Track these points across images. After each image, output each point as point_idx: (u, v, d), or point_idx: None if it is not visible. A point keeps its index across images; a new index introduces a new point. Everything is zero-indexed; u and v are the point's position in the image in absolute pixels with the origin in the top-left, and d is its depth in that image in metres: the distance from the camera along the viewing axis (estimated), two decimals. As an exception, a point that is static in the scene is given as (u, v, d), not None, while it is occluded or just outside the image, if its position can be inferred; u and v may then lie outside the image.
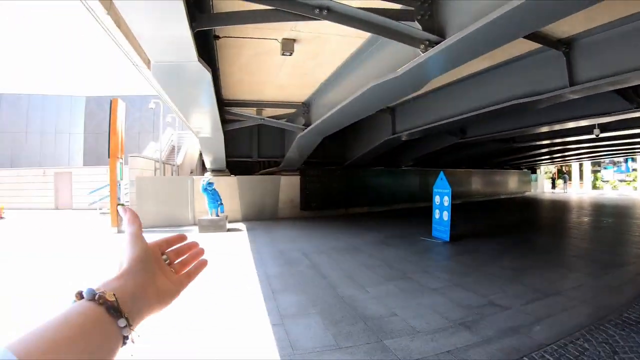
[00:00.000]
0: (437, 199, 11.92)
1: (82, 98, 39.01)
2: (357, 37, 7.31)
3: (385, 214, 19.91)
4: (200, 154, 33.89)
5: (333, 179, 20.31)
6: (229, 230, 14.15)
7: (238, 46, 8.13)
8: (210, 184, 14.20)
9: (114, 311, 0.65)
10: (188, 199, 16.26)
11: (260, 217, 17.42)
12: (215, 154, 15.71)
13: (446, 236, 11.26)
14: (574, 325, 4.79)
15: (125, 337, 0.68)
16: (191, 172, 26.89)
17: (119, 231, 14.16)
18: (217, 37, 7.41)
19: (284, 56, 8.04)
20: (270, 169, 18.81)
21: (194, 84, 7.52)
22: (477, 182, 30.34)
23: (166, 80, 7.48)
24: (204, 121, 11.49)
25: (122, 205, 14.69)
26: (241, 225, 15.46)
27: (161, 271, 0.83)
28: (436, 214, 11.98)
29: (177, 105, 10.43)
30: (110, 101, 14.81)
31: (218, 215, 14.28)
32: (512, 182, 35.25)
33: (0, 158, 36.11)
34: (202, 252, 1.01)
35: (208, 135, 13.14)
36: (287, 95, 12.67)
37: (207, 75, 6.69)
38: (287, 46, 7.55)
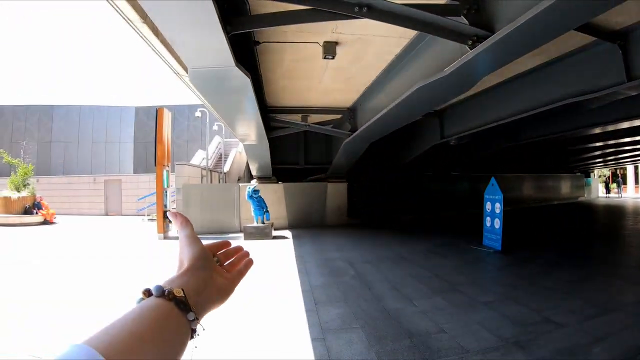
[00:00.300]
0: (488, 205, 11.46)
1: (131, 108, 40.56)
2: (400, 38, 7.14)
3: (434, 221, 19.39)
4: (248, 162, 34.31)
5: (380, 186, 20.10)
6: (274, 237, 14.13)
7: (279, 51, 8.09)
8: (255, 191, 14.22)
9: (183, 305, 0.69)
10: (234, 206, 16.39)
11: (307, 224, 17.35)
12: (261, 161, 15.76)
13: (498, 245, 10.76)
14: (637, 346, 4.43)
15: (193, 330, 0.72)
16: (239, 180, 27.13)
17: (165, 237, 14.39)
18: (257, 43, 7.38)
19: (326, 60, 7.93)
20: (317, 176, 18.71)
21: (234, 90, 7.45)
22: (528, 188, 29.28)
23: (205, 86, 7.51)
24: (248, 128, 11.49)
25: (169, 211, 14.99)
26: (287, 233, 15.42)
27: (216, 270, 0.88)
28: (487, 221, 11.50)
29: (219, 112, 10.52)
30: (156, 110, 15.01)
31: (264, 223, 14.29)
32: (564, 187, 33.73)
33: (54, 166, 37.82)
34: (247, 253, 1.07)
35: (253, 142, 13.19)
36: (331, 100, 12.58)
37: (247, 81, 6.63)
38: (329, 49, 7.41)
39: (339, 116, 13.91)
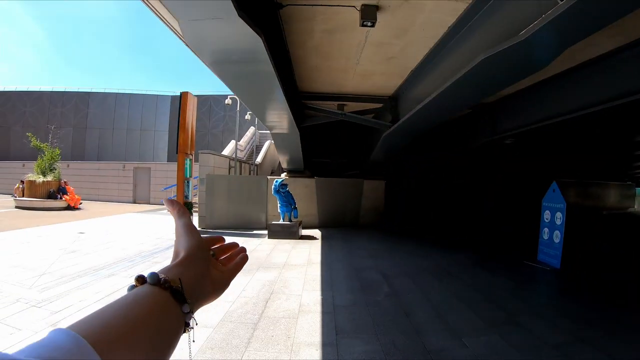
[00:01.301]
0: (546, 215, 9.95)
1: (167, 97, 40.70)
2: (458, 0, 5.69)
3: (479, 228, 17.75)
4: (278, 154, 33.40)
5: (421, 187, 18.56)
6: (302, 237, 12.98)
7: (307, 19, 6.80)
8: (283, 185, 13.04)
9: (179, 296, 0.67)
10: (262, 201, 15.29)
11: (339, 224, 16.08)
12: (292, 153, 14.61)
13: (556, 262, 9.27)
14: None
15: (187, 324, 0.69)
16: (272, 172, 26.12)
17: None
18: (280, 6, 6.05)
19: (364, 28, 6.52)
20: (353, 172, 17.40)
21: (244, 54, 6.07)
22: (572, 195, 25.96)
23: (202, 46, 6.11)
24: (273, 113, 10.41)
25: (190, 210, 14.06)
26: (317, 233, 14.22)
27: (212, 263, 0.84)
28: (544, 233, 9.99)
29: (237, 92, 9.31)
30: (180, 94, 13.99)
31: (291, 221, 13.09)
32: (613, 196, 29.85)
33: (88, 152, 38.44)
34: (243, 249, 1.01)
35: (282, 130, 12.08)
36: (371, 86, 11.33)
37: (259, 43, 5.32)
38: (368, 14, 6.00)
39: (379, 105, 12.60)
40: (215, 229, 14.52)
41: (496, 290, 7.26)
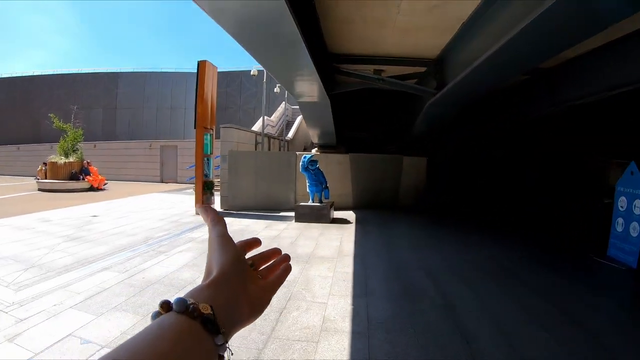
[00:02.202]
0: (621, 202, 8.06)
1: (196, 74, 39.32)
2: None
3: (535, 211, 15.84)
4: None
5: (469, 164, 16.79)
6: (333, 221, 11.53)
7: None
8: (313, 162, 11.54)
9: (211, 326, 0.54)
10: (290, 179, 13.88)
11: (375, 205, 14.53)
12: (322, 125, 13.13)
13: (633, 260, 7.37)
14: None
15: (221, 357, 0.56)
16: (304, 149, 24.69)
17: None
18: None
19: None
20: (391, 147, 15.77)
21: (262, 12, 5.20)
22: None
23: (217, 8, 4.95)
24: (300, 79, 8.91)
25: (210, 190, 12.81)
26: (350, 215, 12.71)
27: (249, 277, 0.70)
28: (617, 224, 8.08)
29: (259, 58, 7.91)
30: (198, 63, 12.59)
31: (321, 202, 11.62)
32: None
33: (119, 132, 38.36)
34: (287, 257, 0.84)
35: (311, 99, 10.53)
36: (413, 46, 9.73)
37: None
38: None
39: (421, 69, 10.95)
40: (238, 211, 13.25)
41: (568, 298, 5.61)
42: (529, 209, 14.87)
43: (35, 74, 41.87)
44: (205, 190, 12.54)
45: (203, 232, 9.72)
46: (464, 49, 8.54)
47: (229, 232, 0.72)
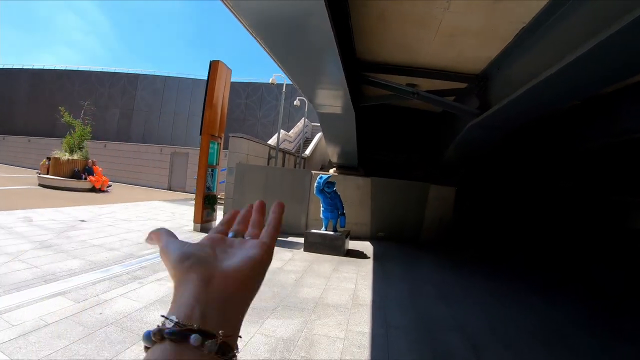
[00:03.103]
0: None
1: None
2: None
3: (587, 248, 14.02)
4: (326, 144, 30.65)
5: (504, 197, 15.13)
6: (347, 253, 9.93)
7: None
8: (330, 183, 10.01)
9: (227, 350, 0.47)
10: (303, 200, 12.38)
11: (396, 237, 12.85)
12: (344, 142, 11.68)
13: None
14: None
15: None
16: (321, 168, 23.16)
17: (202, 228, 11.07)
18: None
19: None
20: (417, 173, 14.19)
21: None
22: None
23: None
24: (324, 85, 7.50)
25: (212, 205, 11.34)
26: (367, 248, 11.11)
27: (225, 252, 0.60)
28: None
29: (279, 57, 6.58)
30: (210, 63, 11.24)
31: (335, 230, 10.06)
32: None
33: (134, 135, 37.94)
34: (276, 206, 0.72)
35: (334, 110, 9.16)
36: (455, 56, 8.47)
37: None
38: None
39: (462, 85, 9.51)
40: (243, 232, 11.80)
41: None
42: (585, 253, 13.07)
43: (58, 68, 41.17)
44: (206, 204, 11.08)
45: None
46: (517, 62, 7.22)
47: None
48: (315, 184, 9.96)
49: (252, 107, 37.55)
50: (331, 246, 9.64)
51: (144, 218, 12.54)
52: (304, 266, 8.23)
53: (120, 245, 8.39)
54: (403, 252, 11.14)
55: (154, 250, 8.22)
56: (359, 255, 10.04)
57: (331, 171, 13.65)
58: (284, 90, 19.37)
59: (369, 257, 9.88)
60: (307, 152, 23.53)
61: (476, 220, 15.05)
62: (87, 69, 40.43)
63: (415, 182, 13.34)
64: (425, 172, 13.96)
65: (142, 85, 38.90)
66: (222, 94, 11.49)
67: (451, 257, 11.48)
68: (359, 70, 8.76)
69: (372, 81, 8.91)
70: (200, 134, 11.13)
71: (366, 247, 11.22)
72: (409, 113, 13.03)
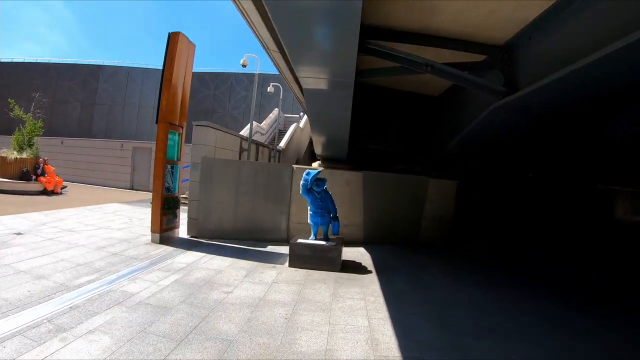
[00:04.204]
0: None
1: None
2: None
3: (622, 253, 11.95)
4: (310, 142, 28.48)
5: (516, 190, 13.22)
6: (343, 266, 7.73)
7: None
8: (319, 181, 7.88)
9: None
10: (283, 200, 10.17)
11: (391, 239, 10.76)
12: (334, 129, 9.34)
13: None
14: None
15: None
16: (297, 162, 20.91)
17: (162, 239, 8.78)
18: None
19: None
20: (412, 167, 12.14)
21: None
22: None
23: None
24: (314, 45, 5.25)
25: (174, 210, 8.97)
26: (364, 256, 9.04)
27: None
28: None
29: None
30: (169, 35, 8.92)
31: (327, 239, 7.94)
32: None
33: (96, 130, 35.44)
34: None
35: (325, 85, 6.77)
36: (482, 20, 6.39)
37: None
38: None
39: (479, 58, 7.36)
40: (211, 239, 9.46)
41: None
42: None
43: (15, 60, 37.86)
44: (166, 209, 8.78)
45: (148, 281, 6.06)
46: (563, 29, 5.33)
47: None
48: (302, 182, 7.75)
49: (221, 98, 35.19)
50: (323, 260, 7.48)
51: (95, 227, 10.17)
52: (293, 293, 6.06)
53: (52, 270, 6.13)
54: (406, 260, 9.04)
55: (96, 277, 6.05)
56: (357, 268, 7.92)
57: (315, 164, 11.46)
58: (256, 70, 16.68)
59: (371, 271, 7.76)
60: (282, 144, 21.27)
61: (484, 217, 13.10)
62: (46, 61, 37.06)
63: (412, 175, 11.27)
64: (421, 164, 11.93)
65: (105, 76, 35.92)
66: (183, 73, 9.17)
67: (463, 263, 9.49)
68: (365, 38, 6.59)
69: (376, 50, 6.70)
70: (157, 122, 8.81)
71: (361, 254, 9.13)
72: (402, 97, 11.00)
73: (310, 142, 31.60)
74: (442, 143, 10.57)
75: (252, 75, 19.09)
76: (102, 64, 36.54)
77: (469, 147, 10.33)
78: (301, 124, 26.42)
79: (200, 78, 34.61)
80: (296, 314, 5.15)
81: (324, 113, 8.13)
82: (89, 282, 5.74)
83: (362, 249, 9.71)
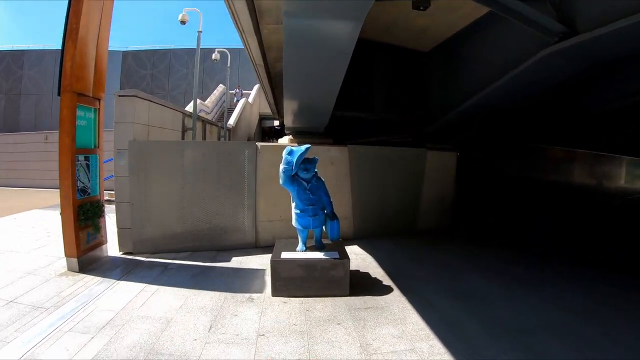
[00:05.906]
0: None
1: (118, 53, 32.45)
2: None
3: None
4: (261, 119, 25.32)
5: (529, 162, 10.88)
6: (350, 287, 4.91)
7: None
8: (309, 163, 5.03)
9: None
10: (248, 190, 7.28)
11: (386, 230, 8.22)
12: (321, 87, 6.06)
13: None
14: None
15: None
16: (248, 140, 17.91)
17: (82, 266, 5.76)
18: None
19: None
20: (402, 138, 9.59)
21: None
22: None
23: None
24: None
25: (95, 220, 5.36)
26: (366, 260, 6.43)
27: None
28: None
29: None
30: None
31: (322, 246, 5.25)
32: None
33: (23, 123, 30.93)
34: None
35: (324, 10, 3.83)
36: None
37: None
38: None
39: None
40: (151, 256, 6.49)
41: None
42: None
43: None
44: (82, 220, 5.79)
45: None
46: None
47: None
48: (282, 167, 4.92)
49: (159, 77, 31.87)
50: (324, 281, 4.76)
51: (10, 241, 7.13)
52: (298, 355, 3.37)
53: None
54: (422, 259, 6.49)
55: None
56: (368, 283, 5.24)
57: (284, 140, 8.60)
58: (199, 26, 13.09)
59: (388, 286, 5.13)
60: (232, 121, 18.19)
61: (486, 191, 10.80)
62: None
63: (407, 148, 8.66)
64: (415, 135, 9.34)
65: (30, 63, 31.37)
66: (98, 20, 6.04)
67: (495, 252, 7.08)
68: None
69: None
70: (59, 94, 5.76)
71: (361, 258, 6.51)
72: (391, 53, 8.43)
73: (260, 121, 28.67)
74: (444, 108, 8.03)
75: (193, 50, 16.00)
76: (26, 49, 31.96)
77: (480, 113, 7.88)
78: (250, 99, 23.53)
79: (135, 57, 31.72)
80: None
81: (311, 59, 5.07)
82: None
83: (356, 248, 7.09)
